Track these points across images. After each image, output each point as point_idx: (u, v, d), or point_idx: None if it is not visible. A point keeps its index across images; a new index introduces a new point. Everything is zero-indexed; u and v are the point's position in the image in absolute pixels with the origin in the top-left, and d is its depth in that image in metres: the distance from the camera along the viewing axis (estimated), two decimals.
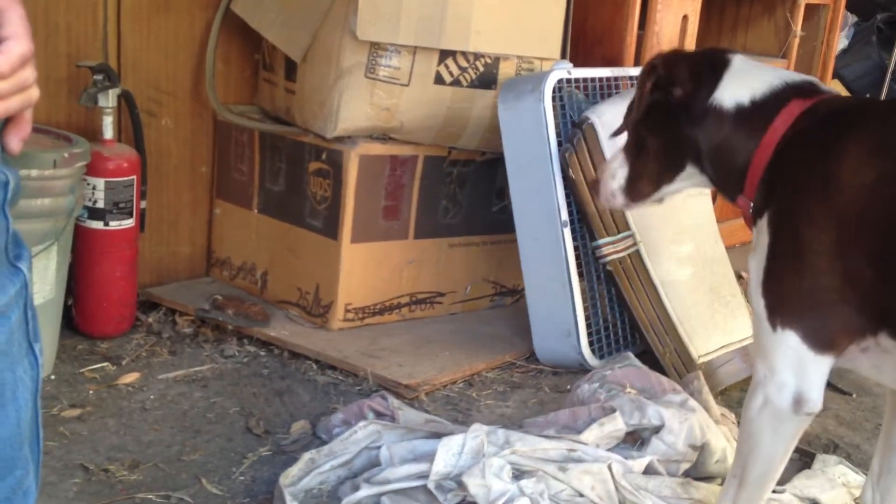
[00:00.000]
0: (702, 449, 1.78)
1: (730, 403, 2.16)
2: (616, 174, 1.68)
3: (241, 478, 1.74)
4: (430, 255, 2.48)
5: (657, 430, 1.76)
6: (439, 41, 2.28)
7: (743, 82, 1.54)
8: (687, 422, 1.77)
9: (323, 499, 1.68)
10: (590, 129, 2.18)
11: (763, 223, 1.44)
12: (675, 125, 1.59)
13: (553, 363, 2.29)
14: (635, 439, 1.81)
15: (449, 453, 1.67)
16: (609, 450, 1.75)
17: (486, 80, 2.37)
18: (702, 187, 1.71)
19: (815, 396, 1.40)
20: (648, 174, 1.65)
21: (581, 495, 1.63)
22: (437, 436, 1.75)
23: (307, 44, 2.30)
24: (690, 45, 2.75)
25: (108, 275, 2.23)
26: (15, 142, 0.90)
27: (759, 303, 1.43)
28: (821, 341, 1.38)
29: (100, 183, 2.18)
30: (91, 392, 2.01)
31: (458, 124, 2.39)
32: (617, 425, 1.76)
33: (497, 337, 2.39)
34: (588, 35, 2.64)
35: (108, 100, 2.21)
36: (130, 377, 2.08)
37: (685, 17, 2.74)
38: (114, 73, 2.23)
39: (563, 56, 2.49)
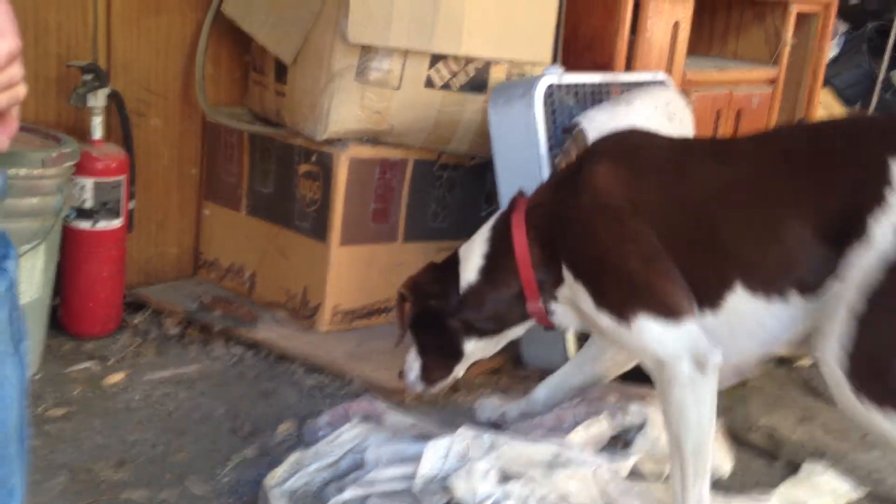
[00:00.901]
0: None
1: (716, 410, 2.16)
2: (413, 367, 1.93)
3: (226, 479, 1.74)
4: (418, 259, 2.47)
5: (640, 427, 1.77)
6: (430, 45, 2.28)
7: (470, 255, 1.83)
8: None
9: (308, 500, 1.67)
10: (580, 135, 2.18)
11: (570, 281, 1.67)
12: (441, 323, 1.86)
13: (541, 368, 2.28)
14: (620, 442, 1.81)
15: (435, 456, 1.66)
16: (595, 452, 1.75)
17: (477, 85, 2.38)
18: (492, 351, 1.94)
19: (706, 350, 1.55)
20: (438, 367, 1.92)
21: (567, 500, 1.63)
22: (424, 439, 1.75)
23: (298, 46, 2.30)
24: (682, 51, 2.75)
25: (95, 275, 2.22)
26: (2, 140, 0.89)
27: (604, 315, 1.62)
28: (667, 309, 1.55)
29: (88, 183, 2.18)
30: (77, 392, 2.00)
31: (449, 128, 2.39)
32: (601, 427, 1.76)
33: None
34: (579, 40, 2.64)
35: (98, 100, 2.21)
36: (116, 377, 2.07)
37: (676, 24, 2.74)
38: (103, 74, 2.22)
39: (555, 61, 2.50)
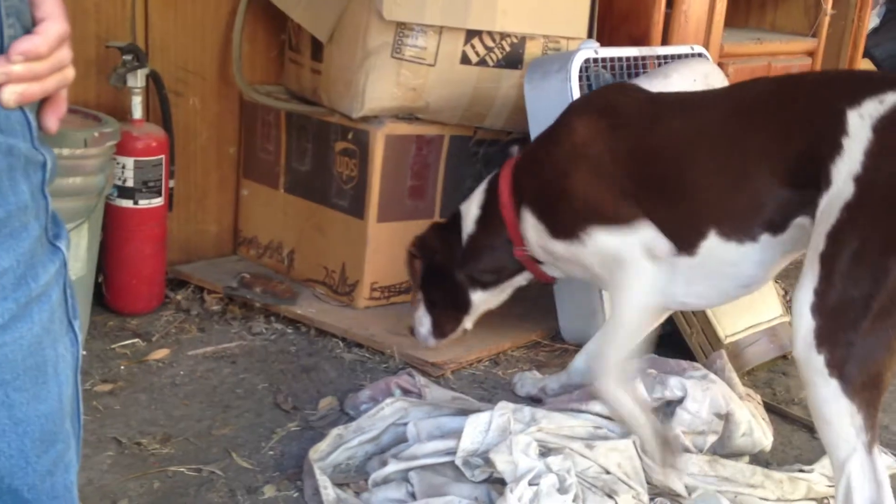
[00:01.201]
0: (727, 421, 1.78)
1: (756, 384, 2.17)
2: (423, 322, 2.09)
3: (271, 452, 1.77)
4: None
5: (681, 401, 1.77)
6: (465, 21, 2.27)
7: (468, 211, 2.01)
8: (709, 391, 1.78)
9: (351, 473, 1.70)
10: None
11: (527, 216, 1.86)
12: (450, 277, 2.03)
13: (578, 342, 2.29)
14: (659, 415, 1.81)
15: (476, 430, 1.68)
16: None
17: (513, 60, 2.37)
18: (497, 302, 2.11)
19: (660, 242, 1.69)
20: (448, 319, 2.08)
21: (608, 472, 1.64)
22: (464, 413, 1.77)
23: (333, 24, 2.31)
24: (719, 24, 2.72)
25: (138, 253, 2.25)
26: (52, 121, 0.91)
27: (560, 242, 1.81)
28: (617, 216, 1.71)
29: (129, 162, 2.20)
30: (122, 367, 2.04)
31: (484, 104, 2.39)
32: (641, 395, 1.77)
33: (523, 316, 2.40)
34: (615, 14, 2.62)
35: (137, 80, 2.23)
36: (160, 353, 2.11)
37: None
38: (142, 54, 2.24)
39: (590, 35, 2.48)
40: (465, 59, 2.32)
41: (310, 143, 2.46)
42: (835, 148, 1.45)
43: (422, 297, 2.09)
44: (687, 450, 1.76)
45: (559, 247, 1.83)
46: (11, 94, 0.83)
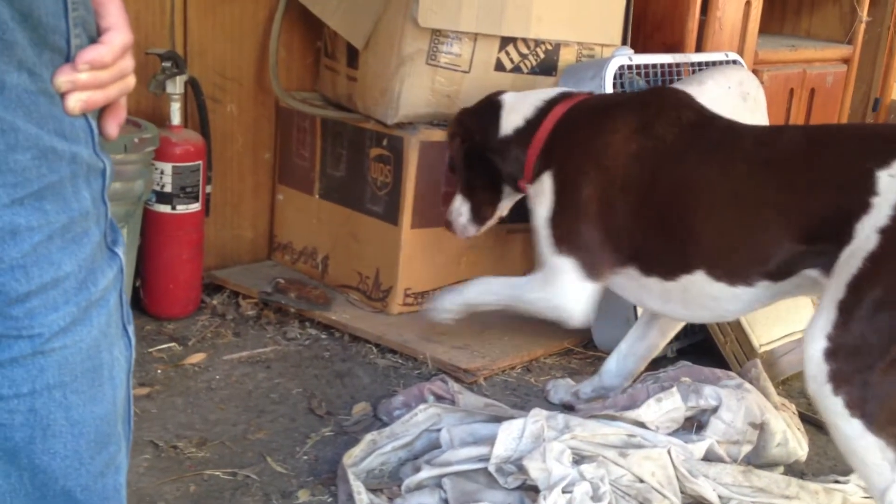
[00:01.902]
0: (762, 431, 1.77)
1: (791, 393, 2.15)
2: (462, 211, 2.14)
3: (305, 457, 1.78)
4: (488, 241, 2.49)
5: (715, 410, 1.77)
6: (500, 28, 2.28)
7: (515, 113, 2.01)
8: (744, 400, 1.77)
9: (384, 479, 1.71)
10: None
11: (544, 182, 1.87)
12: (486, 161, 2.06)
13: (611, 350, 2.28)
14: (694, 424, 1.81)
15: (509, 437, 1.68)
16: (669, 434, 1.75)
17: (547, 67, 2.37)
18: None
19: (579, 318, 1.83)
20: (485, 203, 2.12)
21: (641, 481, 1.64)
22: (497, 419, 1.77)
23: (369, 31, 2.33)
24: (753, 30, 2.71)
25: (175, 258, 2.28)
26: (112, 127, 0.93)
27: (548, 231, 1.84)
28: (590, 270, 1.79)
29: (167, 168, 2.23)
30: (159, 371, 2.07)
31: None
32: (675, 402, 1.77)
33: (555, 323, 2.39)
34: (649, 21, 2.62)
35: (176, 86, 2.26)
36: (197, 357, 2.14)
37: (748, 3, 2.70)
38: (181, 61, 2.27)
39: (624, 42, 2.48)
40: (499, 66, 2.33)
41: (345, 149, 2.48)
42: (862, 207, 1.48)
43: (460, 184, 2.13)
44: (721, 459, 1.75)
45: (538, 221, 1.87)
46: (77, 101, 0.86)
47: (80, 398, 0.90)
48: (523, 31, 2.31)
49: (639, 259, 1.76)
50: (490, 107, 2.06)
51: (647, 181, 1.74)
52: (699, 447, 1.72)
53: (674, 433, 1.78)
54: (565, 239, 1.81)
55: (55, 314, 0.87)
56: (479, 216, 2.13)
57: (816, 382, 1.44)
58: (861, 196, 1.49)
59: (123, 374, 0.96)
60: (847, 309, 1.44)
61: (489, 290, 1.99)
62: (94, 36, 0.89)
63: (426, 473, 1.66)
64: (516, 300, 1.92)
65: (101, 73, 0.88)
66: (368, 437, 1.76)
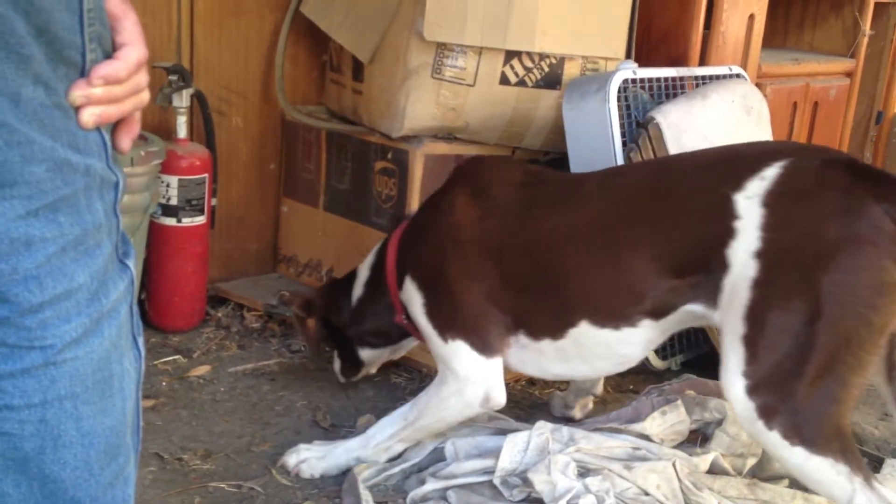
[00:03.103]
0: None
1: None
2: (335, 360, 2.08)
3: None
4: None
5: (720, 423, 1.76)
6: (505, 42, 2.29)
7: (362, 269, 1.98)
8: None
9: (389, 492, 1.71)
10: (655, 129, 2.18)
11: (408, 287, 1.79)
12: (341, 335, 2.02)
13: None
14: (699, 437, 1.81)
15: (514, 449, 1.69)
16: (673, 447, 1.75)
17: (551, 81, 2.38)
18: (389, 358, 2.10)
19: (499, 394, 1.70)
20: (349, 365, 2.07)
21: (646, 494, 1.64)
22: (502, 432, 1.77)
23: (375, 45, 2.34)
24: (757, 44, 2.72)
25: (181, 270, 2.29)
26: (126, 142, 0.95)
27: (429, 326, 1.75)
28: (483, 346, 1.69)
29: (173, 181, 2.24)
30: (164, 384, 2.07)
31: (523, 124, 2.40)
32: (680, 415, 1.77)
33: None
34: (653, 35, 2.63)
35: (182, 100, 2.27)
36: (201, 370, 2.14)
37: (751, 17, 2.71)
38: (188, 74, 2.29)
39: (629, 56, 2.49)
40: (504, 80, 2.33)
41: (349, 162, 2.49)
42: (728, 233, 1.47)
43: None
44: (726, 472, 1.75)
45: (420, 322, 1.78)
46: (90, 115, 0.87)
47: (90, 409, 0.91)
48: (528, 44, 2.32)
49: (524, 324, 1.69)
50: (346, 281, 2.03)
51: (502, 243, 1.70)
52: (704, 460, 1.72)
53: (678, 446, 1.78)
54: (447, 325, 1.72)
55: (67, 325, 0.88)
56: (345, 374, 2.09)
57: (748, 422, 1.44)
58: (723, 222, 1.47)
59: (133, 385, 0.96)
60: (753, 342, 1.43)
61: (384, 433, 1.77)
62: (110, 51, 0.90)
63: (431, 486, 1.66)
64: (424, 417, 1.73)
65: (115, 88, 0.89)
66: (381, 465, 1.75)
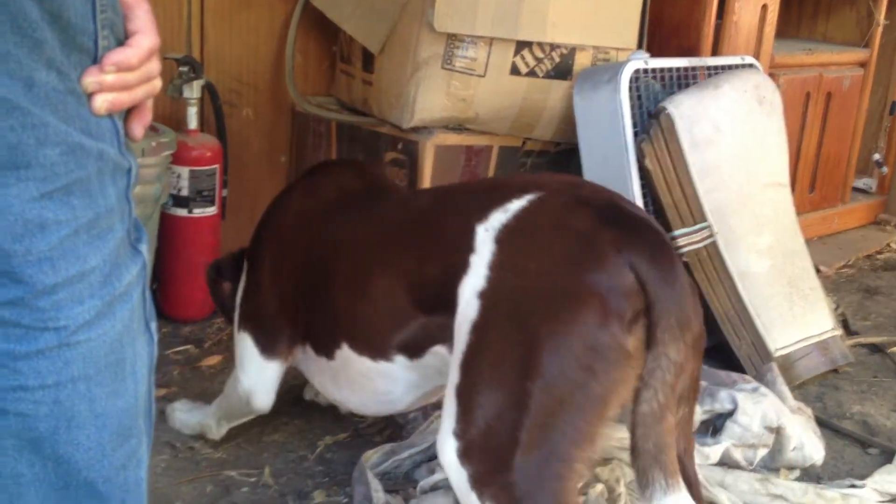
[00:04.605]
0: (778, 434, 1.77)
1: (807, 398, 2.14)
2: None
3: (320, 459, 1.79)
4: None
5: (731, 413, 1.76)
6: (516, 32, 2.29)
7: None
8: (760, 404, 1.77)
9: (399, 480, 1.72)
10: (667, 120, 2.17)
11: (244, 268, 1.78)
12: None
13: None
14: (709, 427, 1.80)
15: None
16: None
17: (562, 71, 2.38)
18: None
19: (262, 398, 1.70)
20: None
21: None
22: None
23: (385, 35, 2.34)
24: (770, 34, 2.71)
25: (192, 261, 2.29)
26: (138, 129, 0.95)
27: (237, 310, 1.74)
28: (266, 347, 1.67)
29: (184, 171, 2.25)
30: (176, 373, 2.08)
31: (533, 115, 2.40)
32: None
33: None
34: (665, 25, 2.62)
35: (193, 91, 2.27)
36: (213, 360, 2.15)
37: (764, 7, 2.70)
38: (198, 65, 2.29)
39: (640, 46, 2.48)
40: (514, 70, 2.33)
41: (360, 153, 2.48)
42: (463, 266, 1.30)
43: None
44: (737, 463, 1.74)
45: (236, 312, 1.77)
46: (103, 102, 0.88)
47: (103, 391, 0.92)
48: (539, 35, 2.31)
49: (308, 335, 1.63)
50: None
51: (303, 249, 1.63)
52: (715, 451, 1.72)
53: None
54: (244, 314, 1.71)
55: (80, 307, 0.89)
56: None
57: (461, 493, 1.25)
58: (462, 255, 1.31)
59: (145, 369, 0.97)
60: (466, 395, 1.24)
61: (212, 409, 1.82)
62: (122, 38, 0.91)
63: (440, 475, 1.66)
64: (225, 399, 1.77)
65: (127, 75, 0.89)
66: (387, 446, 1.76)
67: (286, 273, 1.65)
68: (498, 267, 1.27)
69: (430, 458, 1.76)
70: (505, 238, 1.29)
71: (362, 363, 1.52)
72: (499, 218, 1.31)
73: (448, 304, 1.32)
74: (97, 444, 0.92)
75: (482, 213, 1.33)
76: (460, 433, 1.24)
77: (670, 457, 1.23)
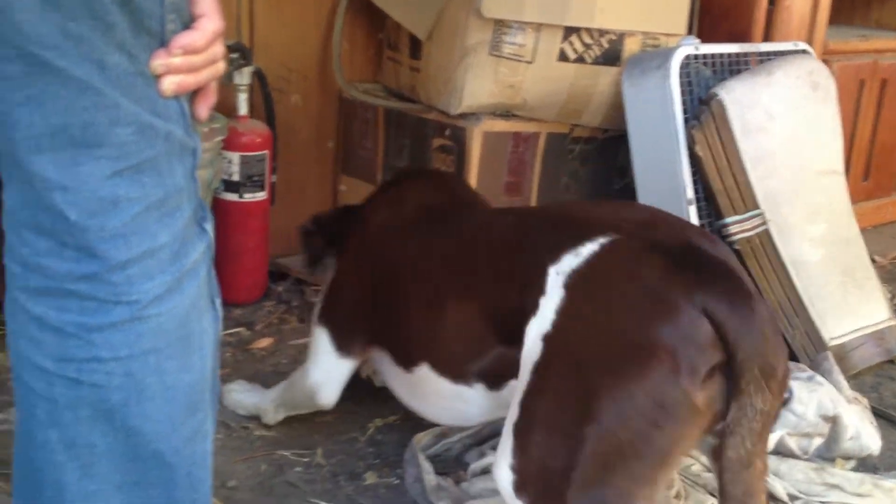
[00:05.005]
0: (834, 423, 1.75)
1: (862, 388, 2.11)
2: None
3: (370, 440, 1.81)
4: None
5: (786, 402, 1.74)
6: (564, 18, 2.28)
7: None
8: (815, 393, 1.75)
9: (449, 463, 1.72)
10: (718, 106, 2.15)
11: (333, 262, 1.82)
12: None
13: None
14: None
15: None
16: None
17: (611, 57, 2.36)
18: None
19: (327, 393, 1.73)
20: None
21: (709, 471, 1.62)
22: None
23: (432, 22, 2.34)
24: (823, 20, 2.66)
25: (242, 245, 2.32)
26: (203, 110, 0.97)
27: (320, 300, 1.77)
28: (342, 344, 1.69)
29: (235, 157, 2.27)
30: (228, 354, 2.11)
31: (581, 101, 2.38)
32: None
33: None
34: (715, 10, 2.59)
35: (244, 77, 2.29)
36: (264, 342, 2.17)
37: None
38: (248, 52, 2.31)
39: (690, 32, 2.46)
40: (562, 57, 2.32)
41: (407, 139, 2.49)
42: (532, 307, 1.30)
43: None
44: (792, 452, 1.73)
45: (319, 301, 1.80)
46: (170, 84, 0.90)
47: (172, 364, 0.93)
48: (587, 20, 2.30)
49: (388, 343, 1.63)
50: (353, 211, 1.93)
51: (387, 261, 1.63)
52: (770, 439, 1.70)
53: None
54: (324, 308, 1.73)
55: (151, 282, 0.91)
56: None
57: None
58: (533, 296, 1.31)
59: (211, 344, 0.99)
60: (523, 432, 1.26)
61: (271, 395, 1.85)
62: (188, 22, 0.92)
63: (491, 459, 1.66)
64: (288, 390, 1.80)
65: (193, 58, 0.91)
66: (438, 429, 1.76)
67: (369, 285, 1.66)
68: (564, 314, 1.27)
69: (480, 441, 1.76)
70: (574, 284, 1.28)
71: (441, 384, 1.52)
72: (570, 262, 1.29)
73: (518, 341, 1.32)
74: (167, 416, 0.94)
75: (555, 254, 1.32)
76: (517, 467, 1.26)
77: (760, 501, 1.24)
